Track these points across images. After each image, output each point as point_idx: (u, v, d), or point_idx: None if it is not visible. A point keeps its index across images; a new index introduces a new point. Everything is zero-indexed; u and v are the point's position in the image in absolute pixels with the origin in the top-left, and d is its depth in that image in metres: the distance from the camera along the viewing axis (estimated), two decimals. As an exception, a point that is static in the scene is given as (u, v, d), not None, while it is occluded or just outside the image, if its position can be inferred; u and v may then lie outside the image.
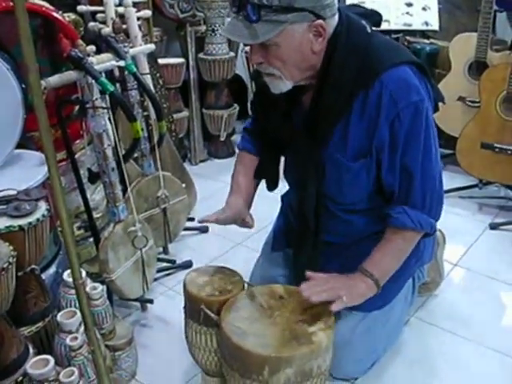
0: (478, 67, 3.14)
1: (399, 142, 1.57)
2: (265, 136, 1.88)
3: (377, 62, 1.55)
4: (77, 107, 2.15)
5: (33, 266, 1.62)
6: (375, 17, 1.73)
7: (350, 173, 1.67)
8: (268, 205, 2.07)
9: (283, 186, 1.99)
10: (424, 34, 3.79)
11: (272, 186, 1.95)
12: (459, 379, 1.91)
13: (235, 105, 3.80)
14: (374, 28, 1.65)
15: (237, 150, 2.07)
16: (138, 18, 2.45)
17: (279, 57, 1.53)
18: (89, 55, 1.82)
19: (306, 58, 1.56)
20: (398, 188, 1.64)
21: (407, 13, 3.54)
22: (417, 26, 3.60)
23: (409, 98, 1.54)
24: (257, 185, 1.98)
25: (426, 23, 3.56)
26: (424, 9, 3.54)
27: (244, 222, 1.84)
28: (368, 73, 1.55)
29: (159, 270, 2.43)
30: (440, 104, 1.76)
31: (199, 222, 1.76)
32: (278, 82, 1.60)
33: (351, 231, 1.83)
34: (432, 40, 3.68)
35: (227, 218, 1.77)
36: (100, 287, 1.72)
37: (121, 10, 2.40)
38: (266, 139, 1.88)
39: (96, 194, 2.24)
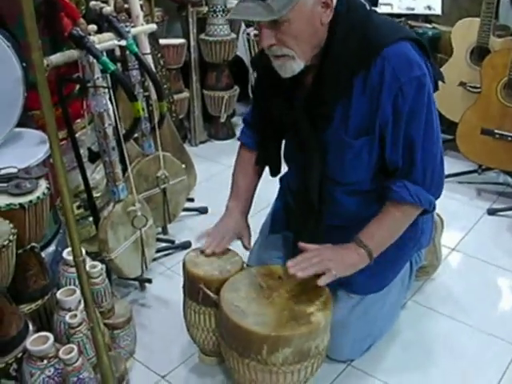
0: (479, 53, 3.13)
1: (402, 117, 1.57)
2: (265, 122, 1.87)
3: (378, 37, 1.56)
4: (78, 86, 2.15)
5: (33, 244, 1.63)
6: None
7: (351, 151, 1.67)
8: (267, 186, 2.07)
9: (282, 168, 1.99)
10: (426, 18, 3.77)
11: (275, 172, 1.96)
12: (454, 362, 1.93)
13: (236, 86, 3.78)
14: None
15: (237, 133, 2.07)
16: (140, -2, 2.44)
17: (292, 34, 1.52)
18: (90, 34, 1.82)
19: (317, 32, 1.55)
20: (402, 163, 1.64)
21: (410, -4, 3.52)
22: (419, 10, 3.57)
23: (411, 72, 1.54)
24: (260, 173, 2.00)
25: (429, 7, 3.54)
26: (427, -7, 3.53)
27: (241, 239, 1.89)
28: (369, 48, 1.55)
29: (158, 250, 2.44)
30: (441, 88, 1.75)
31: (196, 239, 1.85)
32: (291, 62, 1.58)
33: (353, 213, 1.82)
34: (434, 25, 3.66)
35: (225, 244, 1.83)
36: (99, 266, 1.74)
37: (122, -11, 2.39)
38: (267, 125, 1.87)
39: (96, 174, 2.24)
